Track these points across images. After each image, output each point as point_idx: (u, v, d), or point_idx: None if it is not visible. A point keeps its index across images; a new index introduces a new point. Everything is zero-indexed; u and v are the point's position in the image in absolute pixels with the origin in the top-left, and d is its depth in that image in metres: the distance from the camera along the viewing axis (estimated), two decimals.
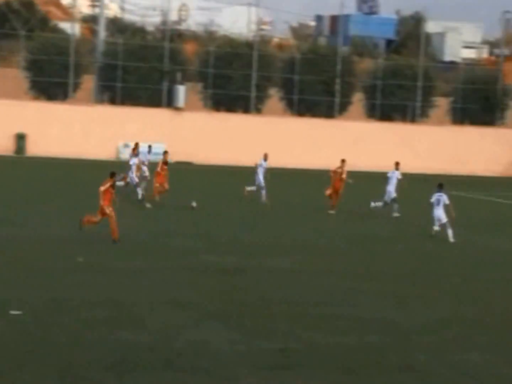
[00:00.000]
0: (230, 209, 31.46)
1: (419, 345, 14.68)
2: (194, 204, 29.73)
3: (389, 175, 31.24)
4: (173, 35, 55.59)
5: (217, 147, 50.25)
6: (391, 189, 30.81)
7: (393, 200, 30.75)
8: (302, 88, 52.49)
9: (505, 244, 27.04)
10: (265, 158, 33.52)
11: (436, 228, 26.83)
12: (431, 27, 63.86)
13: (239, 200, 33.43)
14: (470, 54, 72.89)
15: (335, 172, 31.36)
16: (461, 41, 72.61)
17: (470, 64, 63.95)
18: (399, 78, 53.39)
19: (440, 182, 27.28)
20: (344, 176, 31.32)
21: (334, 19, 67.02)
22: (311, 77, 52.31)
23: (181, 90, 50.60)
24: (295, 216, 30.53)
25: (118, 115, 49.63)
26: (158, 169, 30.81)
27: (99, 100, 51.75)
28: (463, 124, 54.63)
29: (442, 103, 54.75)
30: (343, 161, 31.42)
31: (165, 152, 31.65)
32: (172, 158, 49.69)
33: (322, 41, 65.80)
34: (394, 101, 53.35)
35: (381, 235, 27.40)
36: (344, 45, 58.39)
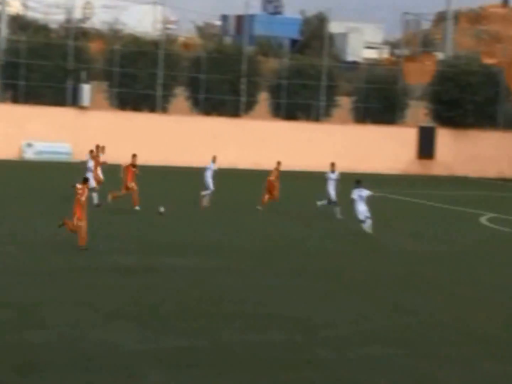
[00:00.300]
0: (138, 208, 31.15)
1: (323, 341, 14.98)
2: (162, 209, 29.26)
3: (326, 176, 31.27)
4: (77, 33, 54.85)
5: (123, 146, 49.67)
6: (331, 191, 30.77)
7: (334, 202, 30.69)
8: (208, 87, 52.51)
9: (408, 242, 27.64)
10: (214, 160, 33.38)
11: (363, 221, 27.21)
12: (334, 27, 64.74)
13: (149, 198, 33.26)
14: (371, 54, 74.17)
15: (275, 171, 31.83)
16: (363, 42, 73.86)
17: (372, 64, 65.03)
18: (304, 77, 53.94)
19: (358, 179, 27.95)
20: (272, 178, 31.67)
21: (240, 18, 67.31)
22: (217, 76, 52.36)
23: (86, 89, 49.97)
24: (218, 216, 30.36)
25: (21, 114, 48.72)
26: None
27: (2, 99, 50.71)
28: (365, 123, 55.59)
29: (345, 102, 55.51)
30: (278, 163, 31.88)
31: (134, 155, 30.82)
32: (77, 157, 49.44)
33: (228, 40, 65.92)
34: (299, 101, 53.88)
35: (299, 235, 27.60)
36: (250, 44, 58.64)
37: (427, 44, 70.18)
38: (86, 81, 50.11)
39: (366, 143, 53.06)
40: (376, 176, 50.11)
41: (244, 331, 15.28)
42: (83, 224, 22.07)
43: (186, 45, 64.37)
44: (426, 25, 75.83)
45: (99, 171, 32.41)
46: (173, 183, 42.03)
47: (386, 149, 52.92)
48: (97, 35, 61.49)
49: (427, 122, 55.73)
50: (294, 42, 67.55)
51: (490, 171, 52.80)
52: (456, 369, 13.75)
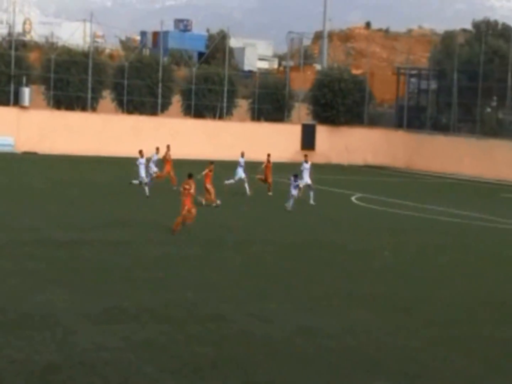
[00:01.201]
0: (71, 191, 30.33)
1: (226, 298, 14.82)
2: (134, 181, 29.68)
3: (302, 167, 30.74)
4: (18, 44, 53.38)
5: (59, 140, 48.97)
6: (306, 178, 30.18)
7: (309, 186, 29.87)
8: (130, 91, 51.95)
9: (298, 216, 27.70)
10: (242, 155, 32.64)
11: (291, 201, 27.12)
12: (233, 42, 64.56)
13: (80, 183, 32.45)
14: (264, 65, 74.33)
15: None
16: (256, 55, 73.92)
17: (264, 73, 65.18)
18: (209, 83, 53.66)
19: (295, 173, 28.20)
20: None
21: (156, 34, 66.58)
22: (137, 82, 51.83)
23: (26, 92, 48.91)
24: (141, 198, 29.76)
25: None
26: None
27: None
28: (260, 121, 55.68)
29: (243, 104, 55.48)
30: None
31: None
32: (20, 149, 48.13)
33: (146, 52, 64.85)
34: (206, 102, 53.62)
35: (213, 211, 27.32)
36: (164, 56, 57.88)
37: (307, 57, 70.81)
38: (26, 85, 49.19)
39: (260, 137, 53.11)
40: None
41: (159, 292, 14.96)
42: (194, 211, 21.58)
43: (111, 56, 63.28)
44: (307, 42, 76.47)
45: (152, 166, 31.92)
46: (101, 170, 41.22)
47: (276, 142, 53.08)
48: (36, 46, 59.94)
49: (309, 120, 56.19)
50: (201, 54, 67.04)
51: (358, 159, 53.68)
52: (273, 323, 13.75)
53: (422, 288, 16.69)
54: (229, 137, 51.95)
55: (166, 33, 65.25)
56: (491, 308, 15.22)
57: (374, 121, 57.35)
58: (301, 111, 56.00)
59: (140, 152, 31.43)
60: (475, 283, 17.54)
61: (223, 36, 60.86)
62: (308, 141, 54.46)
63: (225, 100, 53.77)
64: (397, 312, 14.43)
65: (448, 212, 29.84)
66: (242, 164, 32.15)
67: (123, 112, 52.39)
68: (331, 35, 79.29)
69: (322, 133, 54.98)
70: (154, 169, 32.41)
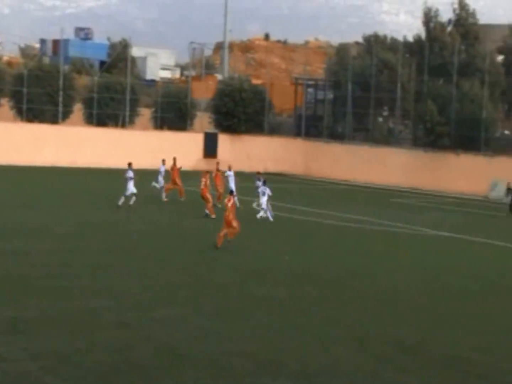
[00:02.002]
0: None
1: (131, 305, 14.68)
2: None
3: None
4: None
5: None
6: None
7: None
8: (30, 99, 50.39)
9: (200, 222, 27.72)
10: (230, 168, 32.37)
11: (263, 209, 27.74)
12: (135, 52, 63.94)
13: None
14: (166, 74, 74.02)
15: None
16: (159, 64, 73.51)
17: (166, 82, 64.90)
18: (111, 92, 52.84)
19: (264, 179, 29.10)
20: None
21: (56, 42, 65.03)
22: (37, 90, 50.37)
23: None
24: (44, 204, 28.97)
25: None
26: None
27: None
28: (162, 129, 55.34)
29: (145, 113, 55.00)
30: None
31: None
32: None
33: (46, 60, 63.23)
34: (108, 111, 52.79)
35: (112, 218, 26.99)
36: (65, 64, 56.64)
37: (209, 67, 71.03)
38: None
39: (163, 146, 52.72)
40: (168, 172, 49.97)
41: (62, 301, 14.64)
42: (236, 225, 21.75)
43: (9, 63, 61.24)
44: (208, 52, 76.76)
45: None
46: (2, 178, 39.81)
47: (179, 150, 52.62)
48: None
49: (211, 129, 56.32)
50: (102, 63, 65.99)
51: (259, 167, 54.05)
52: (228, 322, 13.90)
53: (322, 289, 17.06)
54: (132, 146, 51.36)
55: (66, 41, 63.93)
56: (384, 306, 15.75)
57: (274, 130, 58.13)
58: (203, 120, 56.07)
59: (130, 164, 29.99)
60: (371, 283, 18.10)
61: (125, 45, 60.17)
62: (210, 149, 54.57)
63: (127, 108, 53.11)
64: (296, 314, 14.70)
65: (340, 217, 30.62)
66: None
67: (22, 120, 50.84)
68: (231, 46, 79.94)
69: (224, 141, 55.24)
70: (161, 182, 32.25)
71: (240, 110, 54.80)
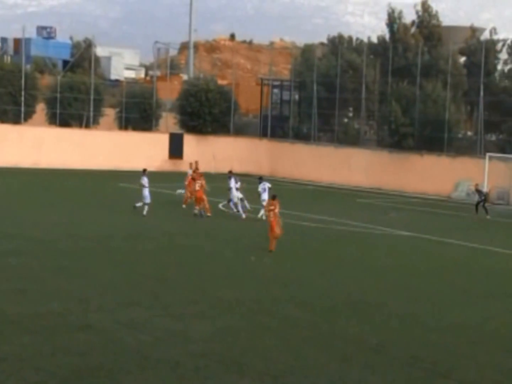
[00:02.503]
0: None
1: (94, 307, 14.56)
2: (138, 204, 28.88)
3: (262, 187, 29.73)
4: None
5: None
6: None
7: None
8: None
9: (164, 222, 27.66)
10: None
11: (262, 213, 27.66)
12: (99, 51, 63.42)
13: None
14: (130, 74, 73.56)
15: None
16: (123, 64, 73.01)
17: (131, 82, 64.50)
18: (75, 92, 52.36)
19: (260, 176, 29.99)
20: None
21: (18, 41, 64.17)
22: None
23: None
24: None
25: None
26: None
27: None
28: (127, 130, 55.00)
29: (110, 113, 54.59)
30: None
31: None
32: None
33: (8, 59, 62.38)
34: (71, 111, 52.30)
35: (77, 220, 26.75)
36: (27, 63, 55.98)
37: (174, 67, 70.82)
38: None
39: (128, 146, 52.51)
40: (136, 173, 49.74)
41: (28, 304, 14.46)
42: (279, 230, 22.04)
43: None
44: (173, 52, 76.50)
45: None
46: None
47: (144, 151, 52.67)
48: None
49: (176, 129, 56.13)
50: (66, 62, 65.35)
51: (225, 167, 53.95)
52: (198, 324, 13.90)
53: (286, 290, 17.11)
54: (96, 146, 50.99)
55: (28, 40, 63.15)
56: (347, 307, 15.88)
57: (240, 130, 58.16)
58: (169, 120, 55.87)
59: (144, 170, 29.60)
60: (332, 283, 18.22)
61: (88, 45, 59.67)
62: (176, 150, 54.39)
63: (91, 109, 52.68)
64: (262, 315, 14.72)
65: (305, 217, 30.77)
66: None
67: None
68: (197, 46, 79.77)
69: (190, 142, 55.09)
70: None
71: (205, 111, 54.70)
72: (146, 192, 28.86)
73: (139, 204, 29.11)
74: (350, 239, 26.28)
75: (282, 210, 27.10)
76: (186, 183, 32.31)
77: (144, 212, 28.56)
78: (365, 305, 16.12)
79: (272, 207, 22.60)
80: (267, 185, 29.25)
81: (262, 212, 28.16)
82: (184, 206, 31.34)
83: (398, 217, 33.35)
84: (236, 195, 30.05)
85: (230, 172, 32.06)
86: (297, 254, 22.54)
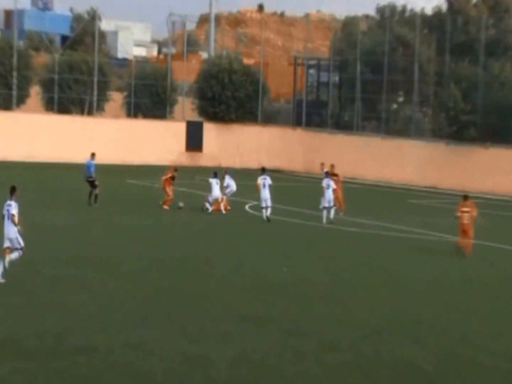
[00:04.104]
0: None
1: (99, 326, 14.63)
2: (181, 204, 30.76)
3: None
4: None
5: None
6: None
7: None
8: None
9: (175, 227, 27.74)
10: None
11: (263, 208, 28.92)
12: (104, 25, 63.88)
13: None
14: (141, 52, 74.01)
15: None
16: (132, 40, 73.50)
17: (141, 61, 64.89)
18: (76, 72, 52.81)
19: (263, 167, 31.08)
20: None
21: (9, 13, 64.83)
22: None
23: None
24: None
25: None
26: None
27: None
28: (137, 117, 55.35)
29: (117, 98, 55.00)
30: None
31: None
32: None
33: None
34: (72, 95, 52.72)
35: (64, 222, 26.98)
36: (20, 39, 56.57)
37: (192, 44, 71.01)
38: None
39: (137, 137, 52.88)
40: (148, 167, 50.10)
41: (17, 322, 14.58)
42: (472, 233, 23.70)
43: None
44: (191, 26, 76.79)
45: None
46: None
47: (157, 142, 53.00)
48: None
49: (195, 117, 56.37)
50: (65, 38, 65.85)
51: (251, 162, 54.23)
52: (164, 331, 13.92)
53: (322, 308, 17.07)
54: (101, 137, 51.36)
55: (21, 12, 63.77)
56: (396, 327, 15.78)
57: (269, 118, 58.25)
58: (186, 106, 56.13)
59: (217, 174, 31.56)
60: (379, 300, 18.14)
61: (92, 17, 60.10)
62: (194, 141, 54.65)
63: (95, 92, 53.10)
64: (294, 337, 14.69)
65: (349, 221, 30.67)
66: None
67: None
68: (219, 19, 79.93)
69: (210, 131, 55.30)
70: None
71: (229, 95, 54.87)
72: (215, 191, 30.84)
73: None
74: (400, 247, 26.18)
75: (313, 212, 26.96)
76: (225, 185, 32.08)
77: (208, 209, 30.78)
78: (418, 325, 16.03)
79: (467, 209, 23.65)
80: (268, 180, 29.46)
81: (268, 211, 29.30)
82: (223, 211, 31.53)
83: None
84: (216, 194, 30.83)
85: (217, 172, 32.30)
86: (336, 263, 22.46)
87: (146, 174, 45.63)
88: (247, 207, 33.49)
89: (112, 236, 25.15)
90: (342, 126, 55.28)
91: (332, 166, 33.46)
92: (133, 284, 18.36)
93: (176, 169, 32.79)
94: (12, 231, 17.79)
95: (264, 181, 29.52)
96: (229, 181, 32.08)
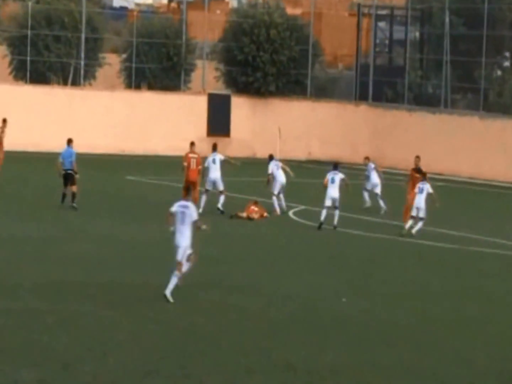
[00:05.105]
0: None
1: (87, 377, 14.74)
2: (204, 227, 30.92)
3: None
4: None
5: None
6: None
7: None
8: None
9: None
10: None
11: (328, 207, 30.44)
12: None
13: None
14: None
15: None
16: None
17: (146, 11, 64.98)
18: (56, 27, 53.00)
19: (336, 162, 32.48)
20: None
21: None
22: None
23: None
24: None
25: None
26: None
27: None
28: (140, 89, 55.38)
29: (113, 62, 55.10)
30: None
31: None
32: None
33: None
34: (51, 58, 52.92)
35: None
36: None
37: None
38: None
39: (141, 116, 52.83)
40: (154, 158, 50.10)
41: None
42: None
43: None
44: None
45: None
46: None
47: (167, 123, 52.92)
48: None
49: (220, 88, 56.28)
50: None
51: (298, 151, 54.01)
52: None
53: (391, 353, 16.91)
54: (90, 116, 51.52)
55: None
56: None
57: (323, 91, 58.02)
58: (208, 74, 56.09)
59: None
60: (470, 344, 17.94)
61: None
62: (219, 121, 54.58)
63: (82, 55, 53.26)
64: None
65: (439, 234, 30.44)
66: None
67: None
68: None
69: (241, 109, 55.23)
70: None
71: (267, 58, 54.73)
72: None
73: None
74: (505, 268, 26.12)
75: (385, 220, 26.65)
76: None
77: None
78: None
79: None
80: (339, 176, 30.96)
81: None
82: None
83: None
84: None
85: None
86: (418, 295, 22.45)
87: (152, 168, 45.57)
88: (291, 213, 33.55)
89: (104, 254, 25.21)
90: (424, 100, 54.96)
91: (418, 158, 33.08)
92: (133, 318, 18.41)
93: None
94: None
95: (335, 176, 30.76)
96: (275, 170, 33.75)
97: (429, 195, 30.14)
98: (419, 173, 31.54)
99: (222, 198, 32.62)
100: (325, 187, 30.67)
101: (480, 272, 25.71)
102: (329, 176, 30.85)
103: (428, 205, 30.22)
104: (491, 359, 17.11)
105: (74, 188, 31.56)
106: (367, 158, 37.34)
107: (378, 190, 34.86)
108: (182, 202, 19.95)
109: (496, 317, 20.58)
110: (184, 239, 19.61)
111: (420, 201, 30.07)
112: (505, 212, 39.24)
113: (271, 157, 34.37)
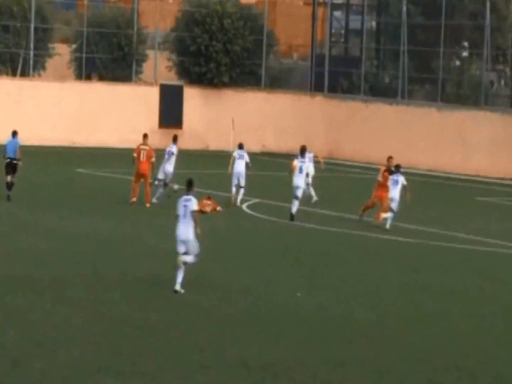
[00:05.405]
0: None
1: (35, 374, 14.63)
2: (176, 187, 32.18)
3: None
4: None
5: None
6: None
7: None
8: None
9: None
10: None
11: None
12: None
13: None
14: None
15: None
16: None
17: (97, 0, 64.65)
18: (5, 17, 52.76)
19: (303, 146, 31.61)
20: None
21: None
22: None
23: None
24: None
25: None
26: None
27: None
28: (90, 80, 55.18)
29: (63, 52, 54.88)
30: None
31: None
32: None
33: None
34: None
35: None
36: None
37: None
38: None
39: (91, 108, 52.62)
40: (106, 150, 49.90)
41: None
42: None
43: None
44: None
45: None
46: None
47: (118, 115, 52.74)
48: None
49: (172, 79, 56.16)
50: None
51: (252, 143, 53.85)
52: None
53: (350, 350, 16.99)
54: (39, 108, 51.25)
55: None
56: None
57: (278, 81, 58.04)
58: (160, 64, 55.95)
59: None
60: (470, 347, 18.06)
61: None
62: (171, 112, 54.46)
63: (31, 45, 52.98)
64: None
65: (398, 228, 30.62)
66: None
67: None
68: None
69: (194, 100, 55.14)
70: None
71: (220, 48, 54.66)
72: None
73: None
74: (467, 263, 26.19)
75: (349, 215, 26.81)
76: None
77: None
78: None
79: None
80: (307, 164, 30.95)
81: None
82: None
83: None
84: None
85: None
86: (375, 290, 22.46)
87: (103, 160, 45.41)
88: (244, 206, 33.68)
89: (53, 247, 25.15)
90: (381, 91, 55.14)
91: (391, 159, 32.94)
92: (86, 314, 18.34)
93: None
94: None
95: (302, 165, 30.55)
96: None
97: (403, 187, 30.33)
98: (391, 174, 31.52)
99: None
100: (291, 174, 30.59)
101: (438, 266, 25.75)
102: (298, 163, 30.66)
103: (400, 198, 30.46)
104: (450, 355, 17.11)
105: (14, 178, 31.61)
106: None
107: (310, 179, 34.14)
108: (185, 196, 20.53)
109: (454, 312, 20.65)
110: (187, 232, 20.32)
111: (395, 193, 30.33)
112: (463, 205, 39.54)
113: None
